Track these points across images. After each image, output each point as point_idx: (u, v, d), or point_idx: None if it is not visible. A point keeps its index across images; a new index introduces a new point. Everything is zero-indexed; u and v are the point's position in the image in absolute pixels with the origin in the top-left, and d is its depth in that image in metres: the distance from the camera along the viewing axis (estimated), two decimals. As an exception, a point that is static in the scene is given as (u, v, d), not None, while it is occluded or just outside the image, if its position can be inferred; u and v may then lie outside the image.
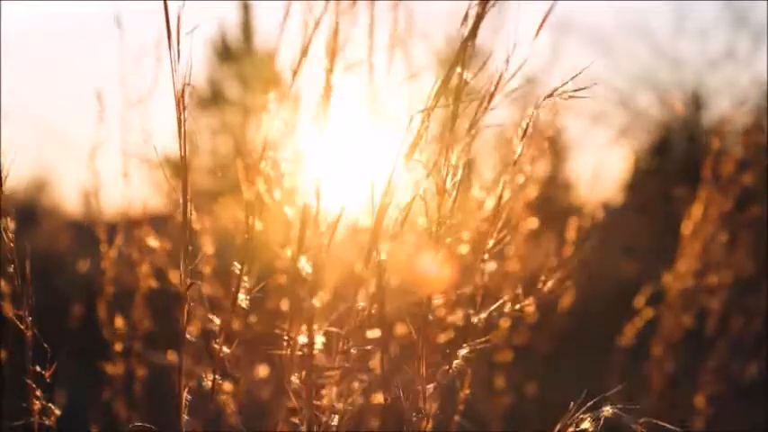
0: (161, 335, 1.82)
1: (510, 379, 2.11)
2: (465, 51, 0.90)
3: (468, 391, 1.12)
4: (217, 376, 0.98)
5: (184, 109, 0.95)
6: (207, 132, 12.35)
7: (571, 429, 0.89)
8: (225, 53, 11.65)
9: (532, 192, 2.00)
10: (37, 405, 1.06)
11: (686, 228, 2.19)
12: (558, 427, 0.90)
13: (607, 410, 0.87)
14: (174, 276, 1.82)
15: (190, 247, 0.96)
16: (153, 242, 1.78)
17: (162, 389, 1.78)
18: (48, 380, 1.06)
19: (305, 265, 0.91)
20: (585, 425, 0.88)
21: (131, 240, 1.82)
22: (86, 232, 1.93)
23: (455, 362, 0.94)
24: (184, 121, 0.95)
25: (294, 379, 0.93)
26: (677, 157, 9.68)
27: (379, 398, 0.96)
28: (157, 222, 1.90)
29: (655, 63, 10.32)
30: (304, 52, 0.95)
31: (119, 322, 1.77)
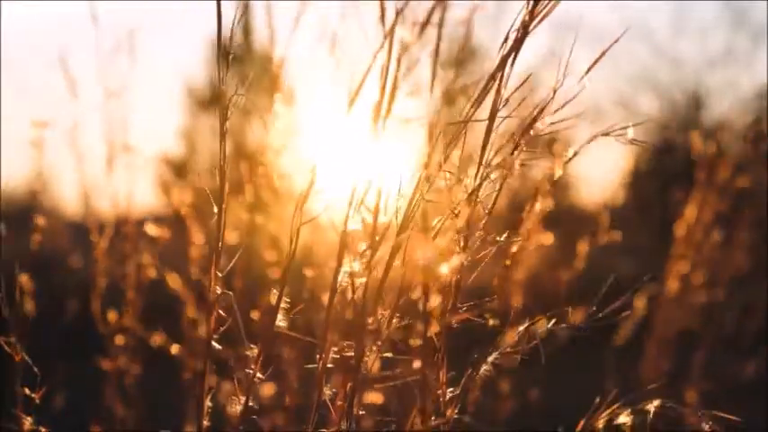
0: (157, 330, 1.83)
1: (510, 380, 2.11)
2: (503, 71, 0.90)
3: (477, 393, 1.13)
4: (248, 399, 0.97)
5: (227, 119, 0.95)
6: (207, 133, 12.37)
7: (602, 423, 0.87)
8: (225, 54, 11.63)
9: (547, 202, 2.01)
10: (27, 425, 1.07)
11: (680, 228, 2.20)
12: (584, 420, 0.88)
13: (654, 403, 0.84)
14: (172, 276, 1.82)
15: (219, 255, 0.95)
16: (152, 231, 1.78)
17: (157, 385, 1.79)
18: (38, 402, 1.07)
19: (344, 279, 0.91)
20: (623, 419, 0.86)
21: (125, 237, 1.83)
22: (84, 232, 1.94)
23: (483, 368, 0.94)
24: (227, 124, 0.95)
25: (327, 390, 0.93)
26: (677, 157, 9.70)
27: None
28: (156, 222, 1.91)
29: (654, 63, 10.34)
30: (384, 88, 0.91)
31: (112, 317, 1.78)
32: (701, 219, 2.19)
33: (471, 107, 0.90)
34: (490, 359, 0.93)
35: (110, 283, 1.81)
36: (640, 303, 2.22)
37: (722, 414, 0.85)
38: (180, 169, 11.15)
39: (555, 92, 0.92)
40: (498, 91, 0.91)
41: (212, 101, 11.92)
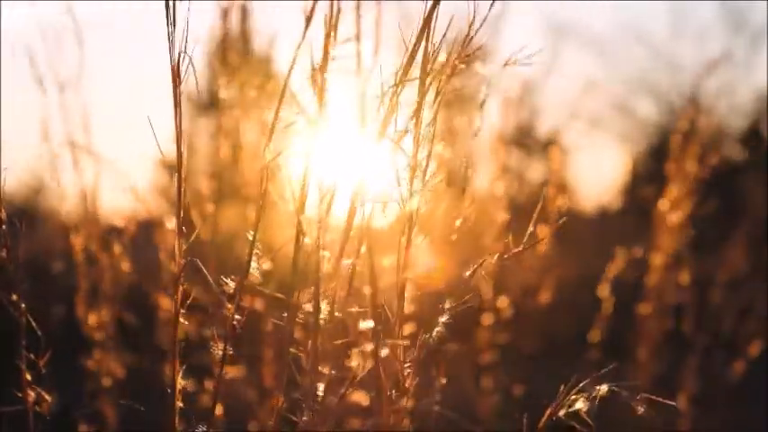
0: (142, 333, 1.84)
1: (497, 379, 2.12)
2: (429, 24, 0.91)
3: (444, 380, 1.14)
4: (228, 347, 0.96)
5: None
6: (205, 135, 12.36)
7: (563, 411, 0.89)
8: (223, 56, 11.65)
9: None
10: (31, 395, 1.06)
11: (658, 223, 2.21)
12: (550, 410, 0.91)
13: (603, 388, 0.87)
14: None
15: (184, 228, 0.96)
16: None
17: (143, 385, 1.79)
18: (41, 368, 1.06)
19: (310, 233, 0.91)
20: (579, 404, 0.88)
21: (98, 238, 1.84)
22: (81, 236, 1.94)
23: (435, 329, 0.95)
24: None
25: (294, 351, 0.92)
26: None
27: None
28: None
29: (652, 66, 10.34)
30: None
31: (92, 320, 1.79)
32: (676, 213, 2.19)
33: (405, 65, 0.91)
34: (442, 319, 0.94)
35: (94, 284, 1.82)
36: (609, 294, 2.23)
37: (659, 399, 0.88)
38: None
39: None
40: (427, 46, 0.91)
41: (210, 104, 11.93)
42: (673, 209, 2.20)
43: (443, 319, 0.94)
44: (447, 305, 0.95)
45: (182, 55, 0.91)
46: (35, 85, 1.83)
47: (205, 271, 0.94)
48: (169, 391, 0.96)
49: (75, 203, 1.94)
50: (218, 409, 1.07)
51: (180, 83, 0.94)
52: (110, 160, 1.92)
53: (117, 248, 1.84)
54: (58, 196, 1.96)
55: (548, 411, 0.91)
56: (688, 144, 2.21)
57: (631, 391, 0.87)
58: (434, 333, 0.95)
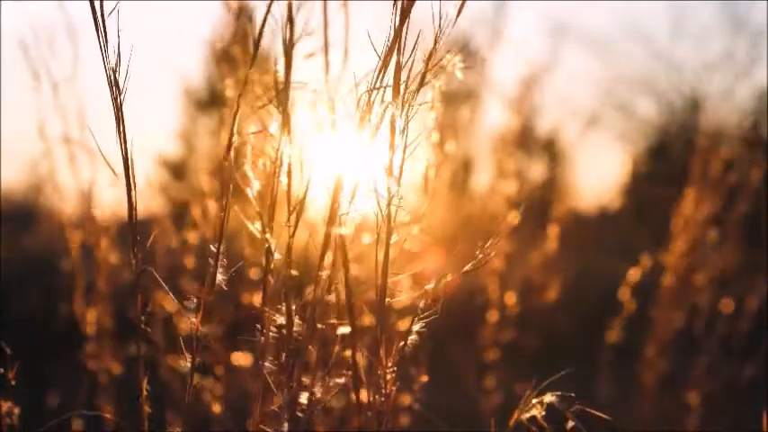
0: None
1: (501, 378, 2.12)
2: (400, 33, 0.90)
3: (426, 378, 1.14)
4: (196, 358, 0.96)
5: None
6: (205, 133, 12.36)
7: (525, 416, 0.91)
8: (223, 54, 11.64)
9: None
10: (4, 407, 1.06)
11: (675, 225, 2.21)
12: (514, 416, 0.92)
13: (549, 397, 0.91)
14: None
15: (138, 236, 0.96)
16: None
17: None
18: (12, 382, 1.06)
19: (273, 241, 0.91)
20: (534, 411, 0.91)
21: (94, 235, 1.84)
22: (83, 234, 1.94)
23: (410, 337, 0.95)
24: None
25: (269, 364, 0.92)
26: (675, 160, 9.69)
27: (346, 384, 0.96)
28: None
29: (653, 66, 10.35)
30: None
31: (90, 317, 1.78)
32: (696, 216, 2.19)
33: (378, 74, 0.91)
34: (416, 328, 0.94)
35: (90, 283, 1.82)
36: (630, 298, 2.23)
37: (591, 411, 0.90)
38: (178, 170, 11.15)
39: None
40: (398, 59, 0.91)
41: (210, 102, 11.92)
42: (680, 209, 2.20)
43: (417, 327, 0.95)
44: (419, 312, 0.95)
45: (116, 69, 0.90)
46: (31, 82, 1.82)
47: (161, 281, 0.94)
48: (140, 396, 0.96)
49: (74, 201, 1.93)
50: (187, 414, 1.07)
51: (120, 93, 0.93)
52: (106, 157, 1.91)
53: (111, 246, 1.84)
54: (57, 194, 1.95)
55: (514, 416, 0.93)
56: (694, 144, 2.21)
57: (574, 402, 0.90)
58: (408, 341, 0.95)
